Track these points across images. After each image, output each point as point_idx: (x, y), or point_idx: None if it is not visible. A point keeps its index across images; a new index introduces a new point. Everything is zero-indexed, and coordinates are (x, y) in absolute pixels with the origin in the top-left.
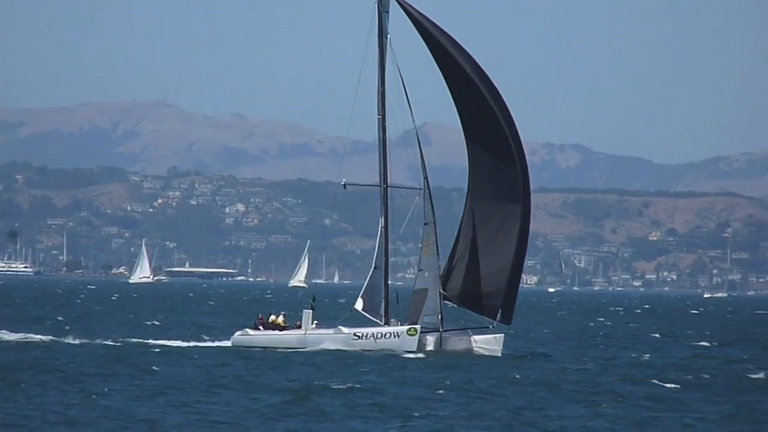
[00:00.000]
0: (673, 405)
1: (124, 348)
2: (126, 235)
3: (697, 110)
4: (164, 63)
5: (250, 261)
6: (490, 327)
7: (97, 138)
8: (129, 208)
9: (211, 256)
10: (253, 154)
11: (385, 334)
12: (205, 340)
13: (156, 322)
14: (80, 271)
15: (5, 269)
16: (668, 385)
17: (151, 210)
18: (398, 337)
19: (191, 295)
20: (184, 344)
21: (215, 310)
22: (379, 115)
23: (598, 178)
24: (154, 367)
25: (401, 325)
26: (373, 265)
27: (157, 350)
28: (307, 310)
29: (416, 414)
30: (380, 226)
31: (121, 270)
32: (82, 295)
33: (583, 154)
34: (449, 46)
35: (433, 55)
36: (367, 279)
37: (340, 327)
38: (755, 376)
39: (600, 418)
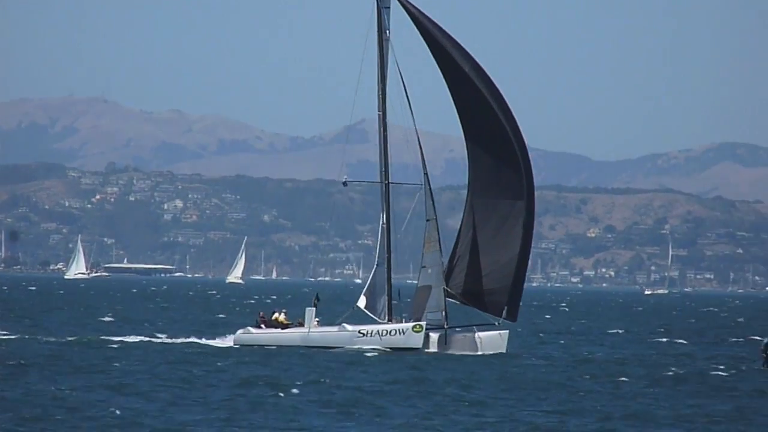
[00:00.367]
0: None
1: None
2: (64, 231)
3: (635, 107)
4: (102, 59)
5: (188, 257)
6: (496, 324)
7: (36, 134)
8: (67, 204)
9: (149, 252)
10: (192, 150)
11: (391, 331)
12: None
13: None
14: (18, 267)
15: None
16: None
17: (89, 206)
18: (404, 334)
19: (135, 290)
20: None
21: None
22: (379, 111)
23: (536, 174)
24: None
25: (407, 321)
26: (375, 263)
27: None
28: (309, 308)
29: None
30: (381, 223)
31: (59, 266)
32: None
33: None
34: (447, 43)
35: (431, 52)
36: (370, 276)
37: (344, 324)
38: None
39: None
